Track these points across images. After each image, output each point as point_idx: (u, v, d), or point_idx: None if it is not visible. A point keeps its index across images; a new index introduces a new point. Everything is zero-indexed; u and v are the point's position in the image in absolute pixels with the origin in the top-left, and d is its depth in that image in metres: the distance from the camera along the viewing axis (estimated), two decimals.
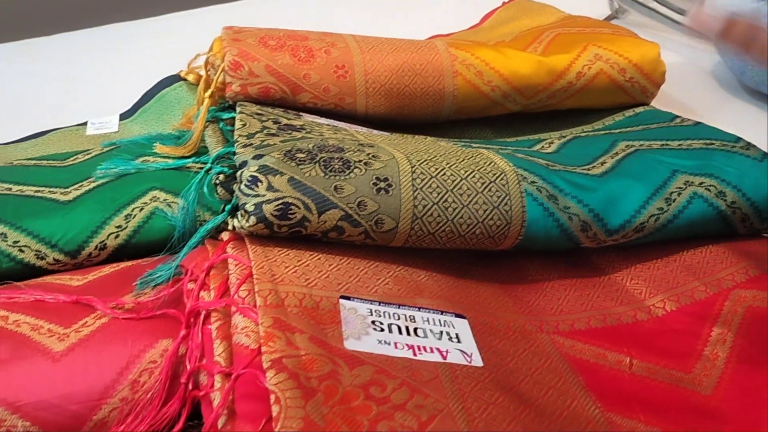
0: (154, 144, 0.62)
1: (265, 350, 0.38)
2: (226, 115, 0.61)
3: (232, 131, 0.57)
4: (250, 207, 0.46)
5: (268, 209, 0.46)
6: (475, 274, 0.53)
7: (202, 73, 0.65)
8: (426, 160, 0.51)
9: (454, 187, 0.50)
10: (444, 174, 0.50)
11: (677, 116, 0.67)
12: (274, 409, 0.35)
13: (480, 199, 0.50)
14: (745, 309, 0.49)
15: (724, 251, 0.54)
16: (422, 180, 0.49)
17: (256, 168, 0.47)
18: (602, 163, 0.57)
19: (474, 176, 0.50)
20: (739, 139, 0.60)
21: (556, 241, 0.52)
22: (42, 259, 0.51)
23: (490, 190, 0.50)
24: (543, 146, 0.63)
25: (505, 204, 0.50)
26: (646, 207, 0.52)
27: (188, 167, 0.58)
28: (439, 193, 0.49)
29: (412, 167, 0.50)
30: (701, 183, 0.54)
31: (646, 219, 0.52)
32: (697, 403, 0.44)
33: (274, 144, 0.51)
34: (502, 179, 0.51)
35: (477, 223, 0.49)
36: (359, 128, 0.61)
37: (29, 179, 0.57)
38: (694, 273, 0.52)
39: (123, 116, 0.78)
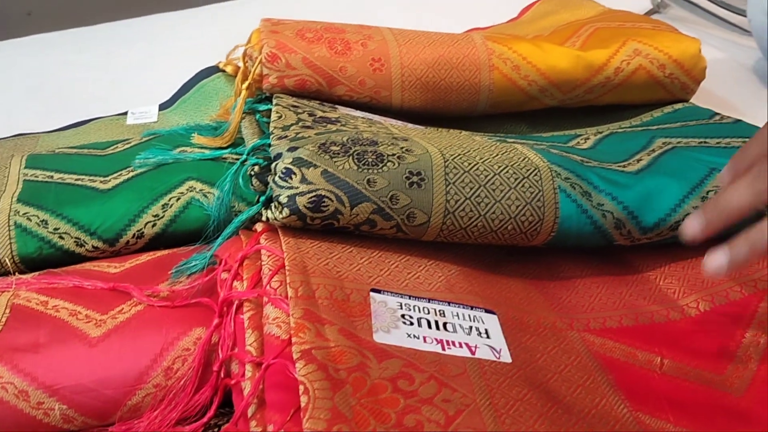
0: (192, 134, 0.62)
1: (295, 341, 0.39)
2: (262, 107, 0.61)
3: (268, 123, 0.58)
4: (283, 199, 0.47)
5: (301, 201, 0.46)
6: (506, 269, 0.53)
7: (240, 64, 0.66)
8: (459, 155, 0.51)
9: (487, 183, 0.50)
10: (477, 169, 0.50)
11: (717, 113, 0.66)
12: (303, 400, 0.35)
13: (513, 194, 0.50)
14: None
15: None
16: (455, 174, 0.49)
17: (291, 160, 0.48)
18: (638, 160, 0.56)
19: (507, 172, 0.50)
20: None
21: (589, 239, 0.51)
22: (81, 246, 0.53)
23: (523, 186, 0.50)
24: (579, 142, 0.63)
25: (538, 200, 0.50)
26: (681, 205, 0.52)
27: (225, 158, 0.59)
28: (471, 188, 0.49)
29: (445, 161, 0.50)
30: None
31: (682, 217, 0.52)
32: (728, 404, 0.43)
33: (309, 136, 0.51)
34: (535, 175, 0.51)
35: (509, 219, 0.49)
36: (394, 121, 0.61)
37: (70, 167, 0.58)
38: (730, 273, 0.51)
39: (162, 106, 0.79)
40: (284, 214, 0.47)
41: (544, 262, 0.55)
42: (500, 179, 0.50)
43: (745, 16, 0.87)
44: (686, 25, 0.96)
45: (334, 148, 0.49)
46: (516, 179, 0.50)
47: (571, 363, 0.44)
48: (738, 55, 0.90)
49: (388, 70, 0.63)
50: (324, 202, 0.47)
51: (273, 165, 0.49)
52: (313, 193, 0.47)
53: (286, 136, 0.51)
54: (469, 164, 0.50)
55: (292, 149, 0.49)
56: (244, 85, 0.62)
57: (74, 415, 0.43)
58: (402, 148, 0.51)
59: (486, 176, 0.50)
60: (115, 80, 0.90)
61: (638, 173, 0.54)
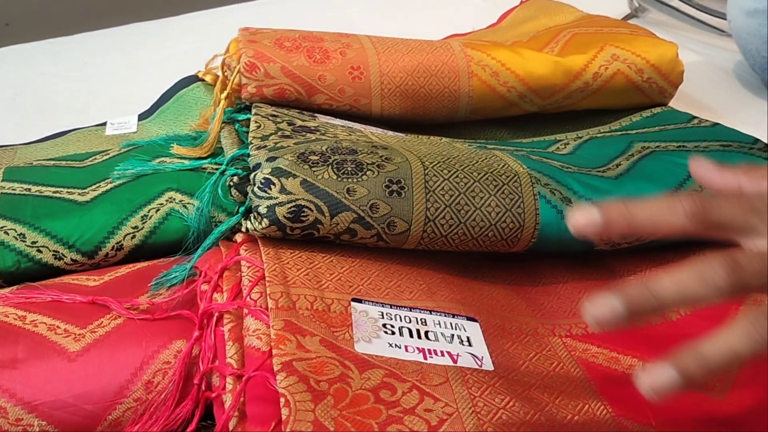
0: (171, 145, 0.62)
1: (276, 353, 0.38)
2: (242, 117, 0.61)
3: (248, 133, 0.58)
4: (263, 209, 0.46)
5: (280, 212, 0.46)
6: (488, 275, 0.53)
7: (219, 73, 0.65)
8: (439, 162, 0.51)
9: (467, 190, 0.50)
10: (457, 176, 0.50)
11: (695, 117, 0.67)
12: (284, 412, 0.35)
13: (493, 201, 0.50)
14: None
15: None
16: (435, 182, 0.49)
17: (270, 170, 0.48)
18: (617, 165, 0.56)
19: (487, 178, 0.50)
20: (756, 140, 0.59)
21: (570, 244, 0.52)
22: (60, 259, 0.52)
23: (503, 192, 0.50)
24: (558, 147, 0.63)
25: (518, 206, 0.50)
26: None
27: (204, 168, 0.59)
28: (451, 196, 0.49)
29: (425, 169, 0.50)
30: None
31: None
32: (710, 408, 0.43)
33: (288, 146, 0.51)
34: (515, 181, 0.51)
35: (490, 226, 0.49)
36: (374, 129, 0.61)
37: (48, 180, 0.58)
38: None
39: (141, 116, 0.79)
40: (264, 225, 0.47)
41: (526, 268, 0.55)
42: (480, 186, 0.50)
43: (722, 18, 0.88)
44: (664, 28, 0.96)
45: (313, 157, 0.49)
46: (496, 186, 0.50)
47: (553, 369, 0.45)
48: (715, 57, 0.91)
49: (367, 78, 0.63)
50: (303, 212, 0.46)
51: (252, 175, 0.48)
52: (293, 203, 0.46)
53: (265, 146, 0.51)
54: (449, 172, 0.50)
55: (271, 159, 0.49)
56: (223, 95, 0.62)
57: (54, 431, 0.42)
58: (381, 156, 0.51)
59: (466, 183, 0.50)
60: (94, 90, 0.89)
61: (617, 178, 0.54)
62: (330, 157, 0.49)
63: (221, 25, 0.94)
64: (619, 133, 0.66)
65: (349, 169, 0.49)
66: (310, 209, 0.47)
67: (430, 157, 0.51)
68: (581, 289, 0.53)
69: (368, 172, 0.49)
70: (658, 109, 0.70)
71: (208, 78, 0.77)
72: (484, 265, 0.55)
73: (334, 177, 0.48)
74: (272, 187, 0.47)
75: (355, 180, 0.48)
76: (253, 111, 0.58)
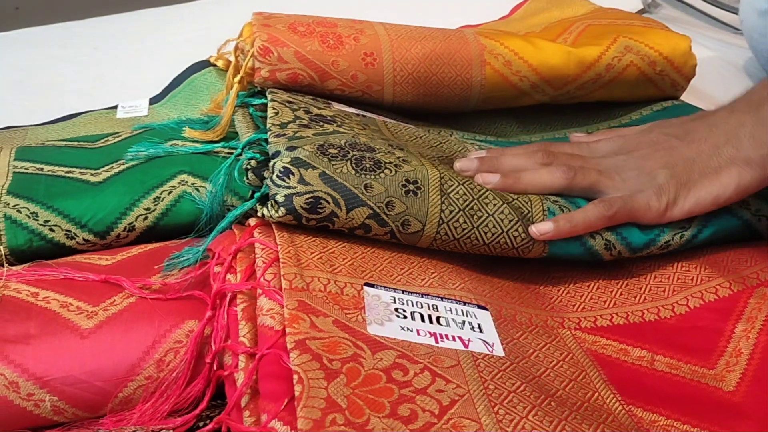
0: (184, 128, 0.62)
1: (290, 331, 0.38)
2: (255, 101, 0.61)
3: (262, 117, 0.58)
4: (280, 198, 0.46)
5: (298, 202, 0.46)
6: (498, 269, 0.54)
7: (232, 59, 0.65)
8: (453, 169, 0.52)
9: (480, 196, 0.50)
10: (470, 183, 0.51)
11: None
12: (297, 389, 0.35)
13: (506, 209, 0.50)
14: None
15: (749, 249, 0.53)
16: (450, 186, 0.50)
17: (289, 160, 0.48)
18: None
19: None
20: None
21: (579, 257, 0.52)
22: (72, 238, 0.52)
23: (513, 204, 0.51)
24: None
25: (528, 220, 0.50)
26: (670, 224, 0.52)
27: (216, 152, 0.59)
28: (465, 200, 0.50)
29: (441, 174, 0.50)
30: None
31: (671, 237, 0.52)
32: (719, 398, 0.43)
33: (307, 136, 0.51)
34: (525, 196, 0.52)
35: (502, 233, 0.50)
36: (387, 119, 0.61)
37: (60, 160, 0.58)
38: (719, 270, 0.52)
39: (153, 100, 0.79)
40: (280, 213, 0.47)
41: (536, 265, 0.55)
42: (493, 194, 0.51)
43: (735, 13, 0.88)
44: (676, 24, 0.96)
45: (332, 150, 0.49)
46: (505, 199, 0.51)
47: (563, 358, 0.45)
48: (728, 54, 0.91)
49: (380, 64, 0.62)
50: (321, 203, 0.47)
51: (271, 163, 0.48)
52: (311, 195, 0.46)
53: (284, 134, 0.51)
54: (463, 177, 0.51)
55: (290, 148, 0.49)
56: (236, 79, 0.62)
57: (65, 406, 0.42)
58: (399, 157, 0.51)
59: (479, 190, 0.51)
60: (102, 75, 0.89)
61: None
62: (349, 152, 0.50)
63: (233, 11, 0.95)
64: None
65: (368, 165, 0.49)
66: (327, 201, 0.47)
67: (445, 166, 0.52)
68: (590, 284, 0.53)
69: (386, 170, 0.49)
70: (668, 103, 0.70)
71: (220, 63, 0.78)
72: (495, 259, 0.55)
73: (353, 172, 0.48)
74: (291, 176, 0.47)
75: (372, 177, 0.48)
76: (269, 97, 0.58)
